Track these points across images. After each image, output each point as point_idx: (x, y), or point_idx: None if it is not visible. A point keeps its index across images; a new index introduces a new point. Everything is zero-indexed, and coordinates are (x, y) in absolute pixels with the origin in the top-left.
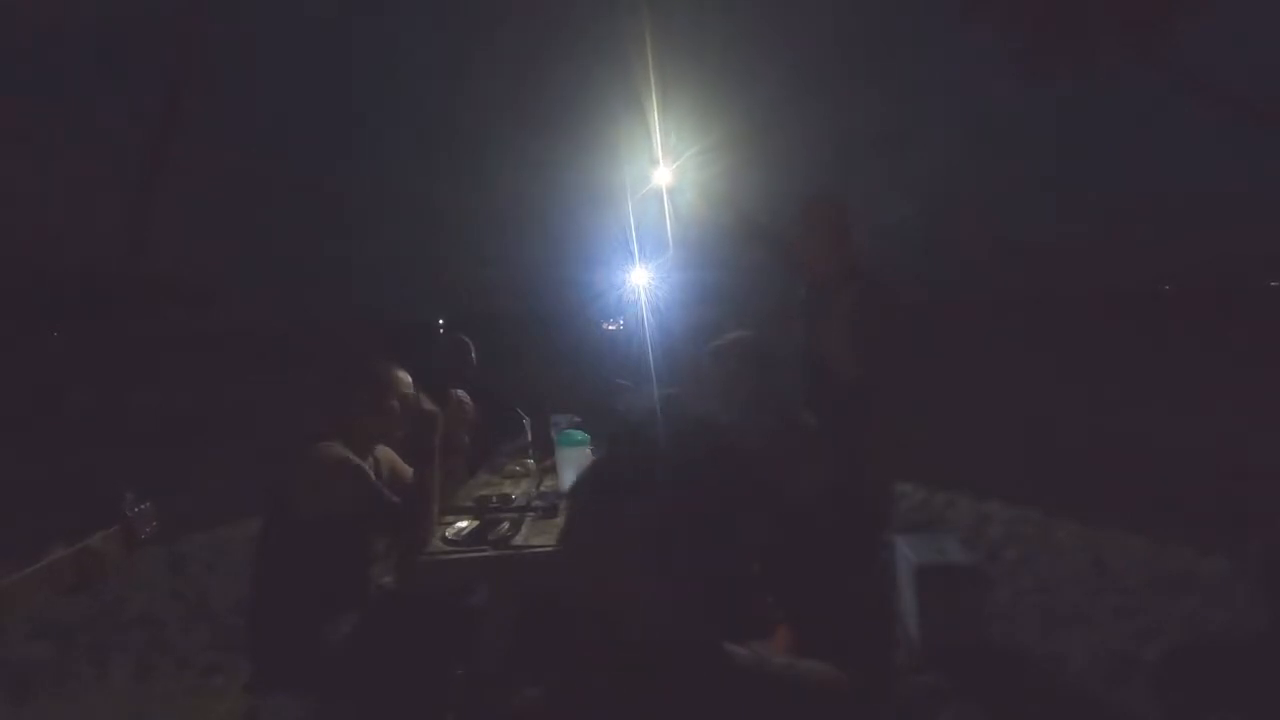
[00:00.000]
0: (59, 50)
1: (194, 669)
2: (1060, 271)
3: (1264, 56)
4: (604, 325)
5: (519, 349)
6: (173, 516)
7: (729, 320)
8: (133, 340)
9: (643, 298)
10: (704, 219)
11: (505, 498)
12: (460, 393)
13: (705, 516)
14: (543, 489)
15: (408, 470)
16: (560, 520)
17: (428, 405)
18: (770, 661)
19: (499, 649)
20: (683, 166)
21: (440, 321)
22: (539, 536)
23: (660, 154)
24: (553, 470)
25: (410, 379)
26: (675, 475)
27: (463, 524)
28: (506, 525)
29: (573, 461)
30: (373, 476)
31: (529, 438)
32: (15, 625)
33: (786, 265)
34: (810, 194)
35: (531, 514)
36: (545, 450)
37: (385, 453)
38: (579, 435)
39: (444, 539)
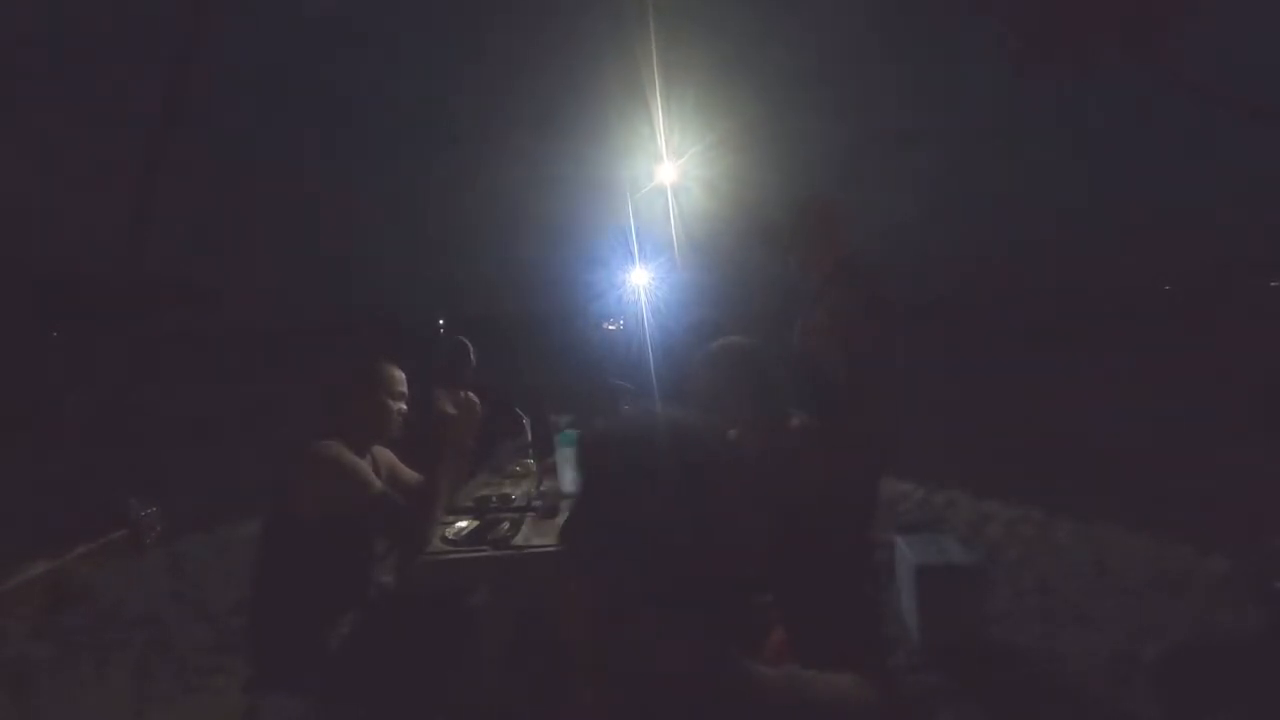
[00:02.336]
0: (59, 51)
1: (194, 669)
2: (1060, 271)
3: (1264, 56)
4: (604, 325)
5: (519, 349)
6: (174, 517)
7: (728, 321)
8: (133, 340)
9: (642, 298)
10: (708, 217)
11: (505, 498)
12: (469, 394)
13: (702, 520)
14: (543, 489)
15: (406, 470)
16: (560, 520)
17: (445, 407)
18: (809, 684)
19: (499, 649)
20: (686, 164)
21: (440, 321)
22: (539, 536)
23: (664, 151)
24: (553, 470)
25: (405, 379)
26: (673, 479)
27: (463, 524)
28: (506, 525)
29: (573, 461)
30: (373, 476)
31: (529, 438)
32: (15, 625)
33: (786, 265)
34: (804, 191)
35: (531, 514)
36: (545, 450)
37: (383, 453)
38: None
39: (444, 539)
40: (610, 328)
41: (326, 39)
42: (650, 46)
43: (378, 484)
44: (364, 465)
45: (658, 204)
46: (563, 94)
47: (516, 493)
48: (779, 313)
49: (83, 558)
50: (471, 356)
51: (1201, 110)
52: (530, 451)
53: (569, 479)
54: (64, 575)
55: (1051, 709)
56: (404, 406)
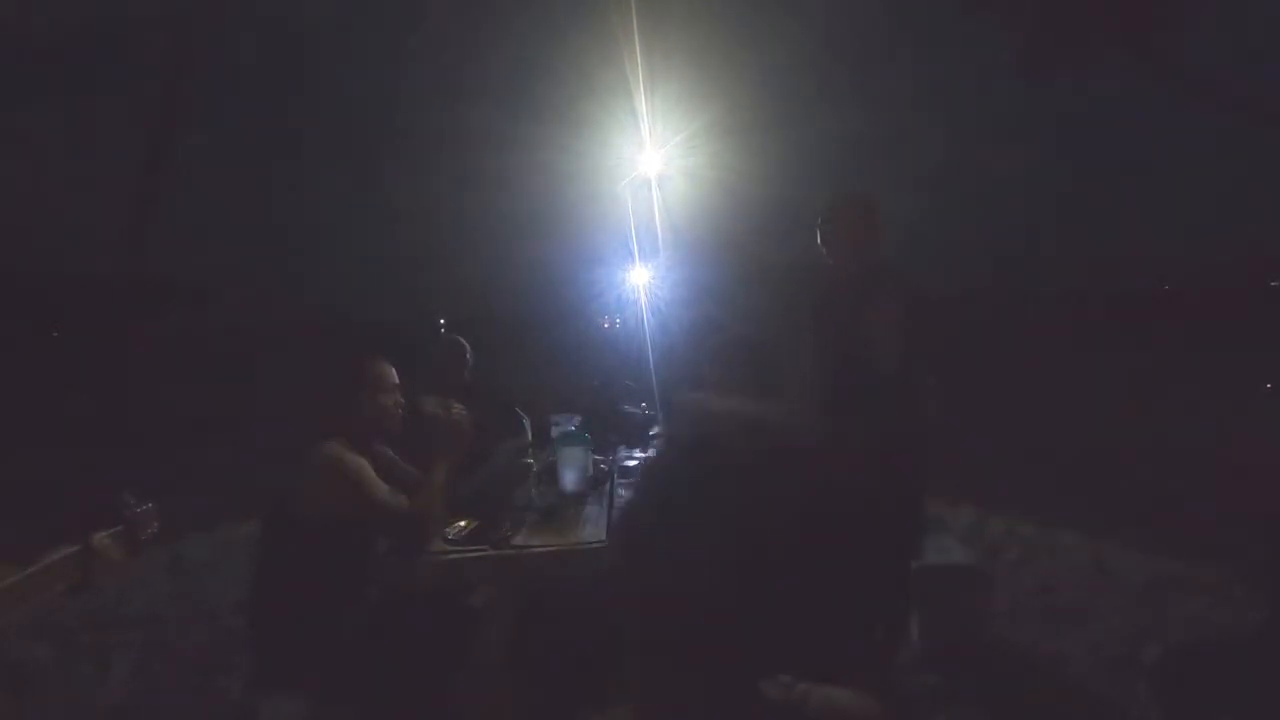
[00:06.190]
0: (59, 50)
1: (194, 669)
2: (1059, 272)
3: (1265, 56)
4: (601, 323)
5: (519, 349)
6: (173, 517)
7: (729, 316)
8: (133, 340)
9: (642, 296)
10: (697, 212)
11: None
12: (457, 406)
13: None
14: (543, 489)
15: (406, 469)
16: (562, 520)
17: (454, 412)
18: (807, 697)
19: (499, 649)
20: (670, 154)
21: (441, 321)
22: (539, 536)
23: (648, 139)
24: (553, 470)
25: (395, 373)
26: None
27: (463, 524)
28: (506, 525)
29: (573, 461)
30: (375, 476)
31: (529, 438)
32: (15, 625)
33: (818, 261)
34: (840, 188)
35: (531, 514)
36: (545, 450)
37: (383, 451)
38: (579, 435)
39: (444, 539)
40: (605, 324)
41: (321, 38)
42: (632, 25)
43: (380, 484)
44: (366, 465)
45: (647, 198)
46: (542, 78)
47: (516, 493)
48: (786, 309)
49: (78, 554)
50: (468, 356)
51: (1204, 110)
52: (530, 451)
53: (569, 479)
54: (62, 574)
55: (1051, 709)
56: (399, 399)
